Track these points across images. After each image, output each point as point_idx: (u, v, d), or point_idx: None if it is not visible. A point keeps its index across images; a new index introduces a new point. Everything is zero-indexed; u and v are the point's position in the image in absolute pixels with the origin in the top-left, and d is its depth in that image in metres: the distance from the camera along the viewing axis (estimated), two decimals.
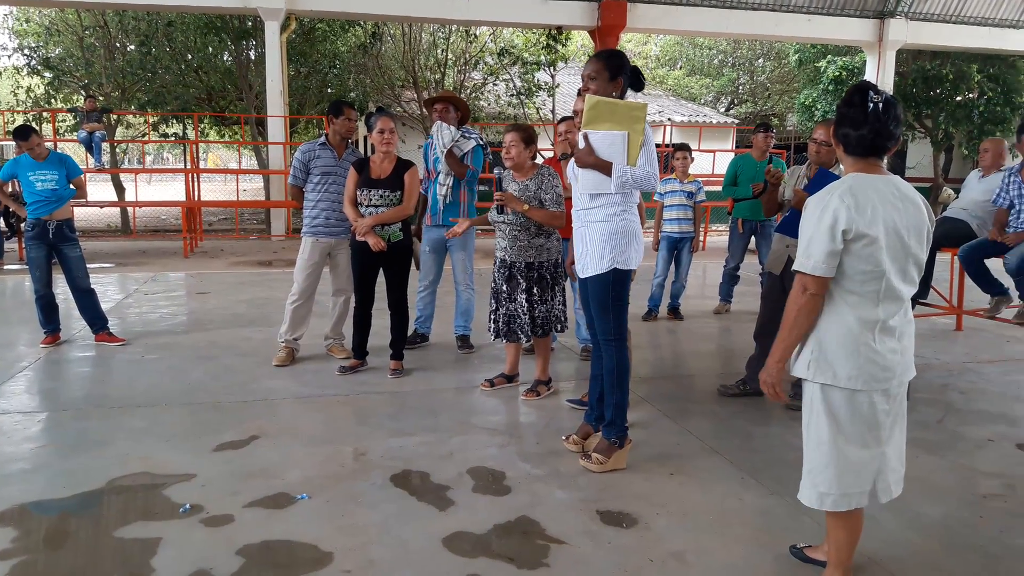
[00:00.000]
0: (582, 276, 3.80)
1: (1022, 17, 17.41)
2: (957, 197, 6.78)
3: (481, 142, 5.84)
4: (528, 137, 4.61)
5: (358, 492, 3.47)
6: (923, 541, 3.11)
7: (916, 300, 6.16)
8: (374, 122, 5.09)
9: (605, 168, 3.54)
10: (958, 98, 18.67)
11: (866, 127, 2.42)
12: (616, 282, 3.68)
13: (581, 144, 3.60)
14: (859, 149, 2.47)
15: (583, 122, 3.57)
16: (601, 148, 3.55)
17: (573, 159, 3.74)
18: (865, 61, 17.51)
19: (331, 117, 5.56)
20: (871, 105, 2.40)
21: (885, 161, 2.63)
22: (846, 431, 2.48)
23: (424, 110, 16.92)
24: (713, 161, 17.06)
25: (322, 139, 5.59)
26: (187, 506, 3.27)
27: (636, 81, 3.71)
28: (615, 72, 3.59)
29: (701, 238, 7.58)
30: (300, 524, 3.14)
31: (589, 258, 3.70)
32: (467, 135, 5.76)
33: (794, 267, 2.48)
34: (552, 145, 9.08)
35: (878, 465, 2.52)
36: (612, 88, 3.60)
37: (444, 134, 5.66)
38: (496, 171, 4.49)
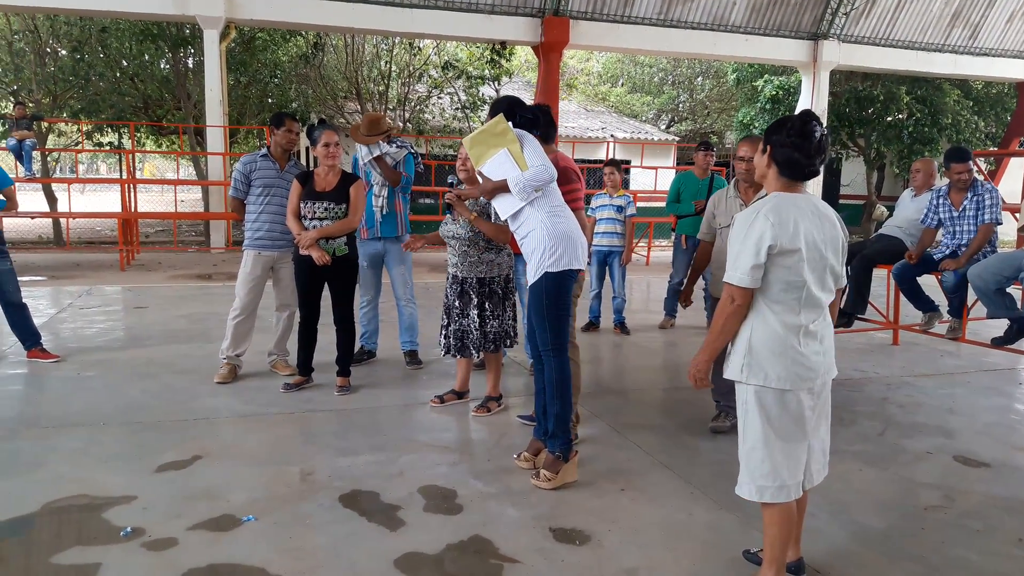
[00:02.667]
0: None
1: (947, 42, 18.16)
2: (890, 214, 7.01)
3: (412, 149, 5.82)
4: None
5: (306, 513, 3.39)
6: (867, 552, 3.19)
7: (854, 315, 6.34)
8: (317, 135, 5.02)
9: (504, 187, 3.70)
10: (888, 119, 19.36)
11: (809, 156, 2.61)
12: (551, 288, 3.70)
13: (481, 181, 3.81)
14: (797, 174, 2.66)
15: (473, 163, 3.82)
16: (493, 173, 3.73)
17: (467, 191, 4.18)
18: (800, 81, 18.02)
19: (273, 129, 5.48)
20: (816, 136, 2.60)
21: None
22: (777, 428, 2.65)
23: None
24: (655, 177, 17.34)
25: (263, 151, 5.50)
26: (128, 529, 3.16)
27: (514, 115, 3.87)
28: (491, 114, 3.88)
29: (632, 251, 7.67)
30: (246, 547, 3.06)
31: (529, 271, 3.79)
32: (399, 144, 5.73)
33: (724, 279, 2.66)
34: None
35: (805, 457, 2.71)
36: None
37: (366, 150, 5.63)
38: (449, 178, 4.49)
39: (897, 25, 17.53)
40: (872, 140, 19.84)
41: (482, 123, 15.64)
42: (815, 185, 16.11)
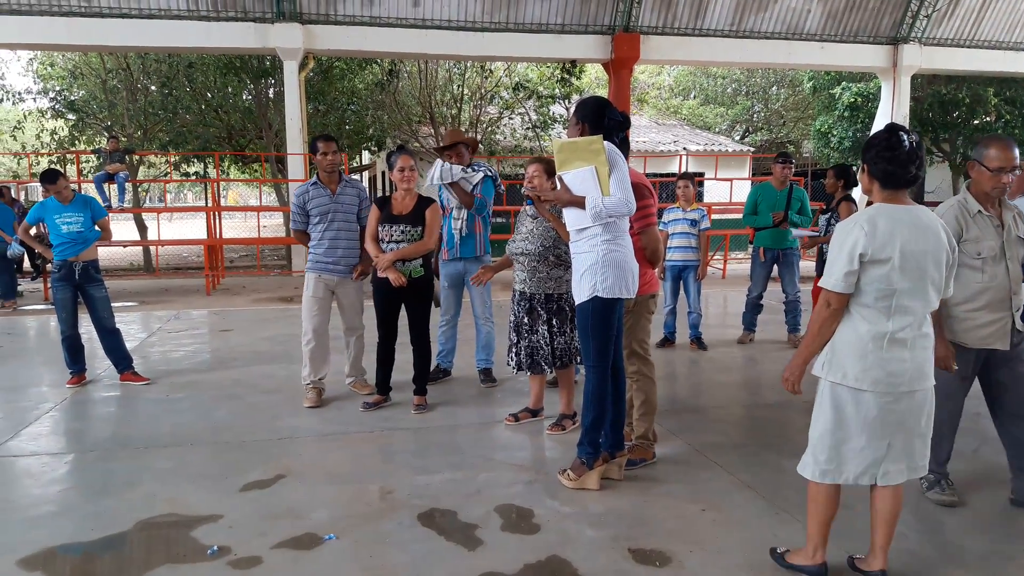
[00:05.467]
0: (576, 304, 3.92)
1: None
2: None
3: (491, 173, 5.86)
4: (550, 168, 4.62)
5: (385, 532, 3.43)
6: (965, 574, 3.04)
7: None
8: (394, 160, 5.12)
9: (580, 203, 3.70)
10: (975, 122, 18.61)
11: (903, 164, 2.72)
12: (597, 310, 3.76)
13: (558, 186, 3.82)
14: (897, 183, 2.77)
15: (556, 166, 3.82)
16: (574, 185, 3.74)
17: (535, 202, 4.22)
18: (880, 87, 17.49)
19: (312, 156, 5.51)
20: (905, 145, 2.72)
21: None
22: (847, 424, 2.81)
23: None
24: (730, 189, 17.04)
25: (313, 179, 5.51)
26: (215, 548, 3.25)
27: (614, 126, 3.88)
28: (579, 117, 3.91)
29: (707, 265, 7.54)
30: (328, 566, 3.11)
31: (576, 287, 3.84)
32: (476, 168, 5.80)
33: (819, 284, 2.89)
34: None
35: (880, 455, 2.82)
36: (578, 131, 3.89)
37: (440, 172, 5.69)
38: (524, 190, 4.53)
39: (982, 25, 16.85)
40: (958, 144, 19.10)
41: (553, 139, 15.65)
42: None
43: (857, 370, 2.74)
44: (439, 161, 5.76)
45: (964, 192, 3.62)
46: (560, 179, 3.80)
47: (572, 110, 3.99)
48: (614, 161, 3.69)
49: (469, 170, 5.76)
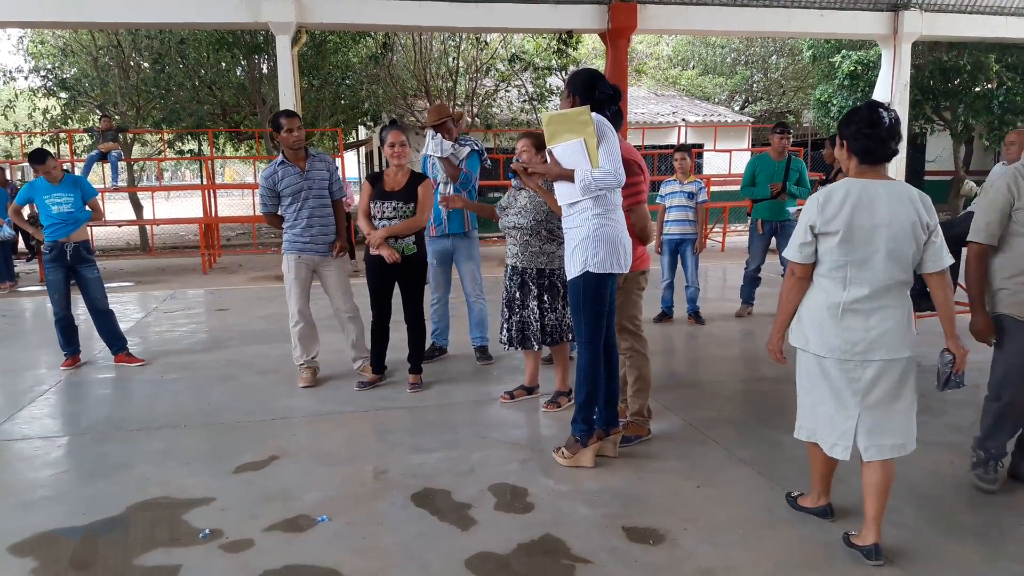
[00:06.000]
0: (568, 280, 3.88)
1: None
2: (978, 189, 6.62)
3: (477, 147, 5.78)
4: (539, 143, 4.56)
5: (379, 513, 3.41)
6: (962, 550, 3.02)
7: None
8: (385, 135, 5.05)
9: (570, 177, 3.66)
10: (976, 89, 18.39)
11: (883, 141, 2.82)
12: (590, 286, 3.73)
13: (548, 160, 3.76)
14: (874, 159, 2.87)
15: (546, 139, 3.76)
16: (563, 158, 3.69)
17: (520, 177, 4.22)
18: (880, 55, 17.28)
19: (275, 133, 5.30)
20: (885, 122, 2.81)
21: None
22: (814, 388, 3.02)
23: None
24: (730, 160, 16.93)
25: (280, 158, 5.33)
26: (207, 531, 3.24)
27: (605, 99, 3.80)
28: (570, 90, 3.84)
29: (706, 238, 7.46)
30: (320, 548, 3.09)
31: (567, 263, 3.81)
32: (463, 142, 5.72)
33: (783, 253, 3.17)
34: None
35: (852, 425, 2.91)
36: (569, 104, 3.80)
37: (434, 144, 5.62)
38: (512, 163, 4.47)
39: None
40: (959, 112, 18.88)
41: (550, 110, 15.49)
42: (897, 162, 15.43)
43: (816, 337, 2.92)
44: (431, 131, 5.69)
45: None
46: (550, 152, 3.74)
47: (565, 84, 3.89)
48: (603, 133, 3.63)
49: (457, 144, 5.69)
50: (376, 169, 25.63)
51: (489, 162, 5.95)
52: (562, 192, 3.78)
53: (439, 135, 5.64)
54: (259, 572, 2.90)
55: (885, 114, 2.82)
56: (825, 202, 2.85)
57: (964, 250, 3.59)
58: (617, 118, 3.94)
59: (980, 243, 3.44)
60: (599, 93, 3.79)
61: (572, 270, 3.77)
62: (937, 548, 3.04)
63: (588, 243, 3.67)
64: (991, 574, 2.87)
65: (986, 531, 3.20)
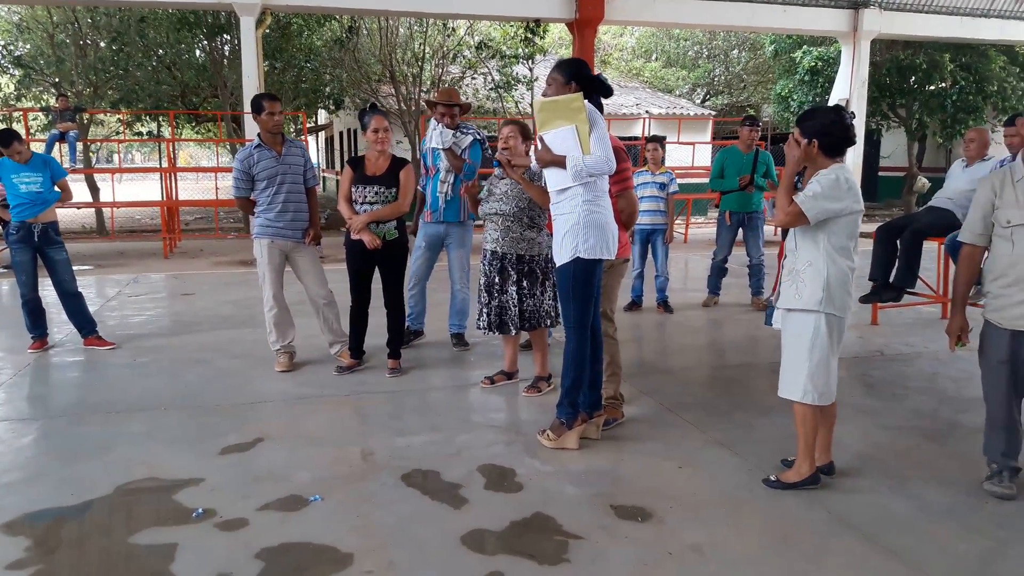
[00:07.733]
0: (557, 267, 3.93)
1: (992, 6, 17.63)
2: (931, 185, 6.84)
3: (479, 136, 5.81)
4: (525, 131, 4.62)
5: (370, 492, 3.46)
6: (934, 527, 3.17)
7: (903, 289, 6.24)
8: (367, 120, 5.04)
9: (561, 163, 3.71)
10: (931, 87, 18.89)
11: (849, 139, 3.33)
12: (579, 272, 3.79)
13: (539, 146, 3.80)
14: (841, 152, 3.36)
15: (537, 126, 3.81)
16: (555, 145, 3.74)
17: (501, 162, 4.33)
18: (840, 51, 17.65)
19: (255, 115, 5.23)
20: (848, 122, 3.32)
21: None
22: (832, 348, 3.35)
23: (421, 106, 16.83)
24: (692, 153, 17.15)
25: (256, 141, 5.27)
26: (200, 511, 3.25)
27: (598, 88, 3.87)
28: (568, 77, 3.81)
29: (674, 229, 7.59)
30: (316, 526, 3.13)
31: (557, 249, 3.85)
32: (465, 131, 5.75)
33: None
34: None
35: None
36: (566, 91, 3.79)
37: (439, 134, 5.65)
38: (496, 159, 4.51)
39: None
40: (914, 110, 19.39)
41: (516, 102, 15.37)
42: (855, 157, 15.79)
43: (841, 301, 3.32)
44: (434, 122, 5.72)
45: (1021, 158, 3.40)
46: (541, 139, 3.78)
47: (554, 69, 3.87)
48: (594, 120, 3.69)
49: (458, 133, 5.71)
50: (344, 155, 25.27)
51: (491, 151, 5.97)
52: (553, 178, 3.83)
53: (440, 126, 5.65)
54: (258, 549, 2.93)
55: (846, 115, 3.35)
56: (854, 185, 3.31)
57: (938, 245, 3.77)
58: (600, 108, 4.01)
59: (965, 243, 3.50)
60: (597, 82, 3.84)
61: (562, 256, 3.81)
62: (917, 531, 3.19)
63: (579, 229, 3.72)
64: (964, 548, 3.02)
65: (953, 508, 3.35)
